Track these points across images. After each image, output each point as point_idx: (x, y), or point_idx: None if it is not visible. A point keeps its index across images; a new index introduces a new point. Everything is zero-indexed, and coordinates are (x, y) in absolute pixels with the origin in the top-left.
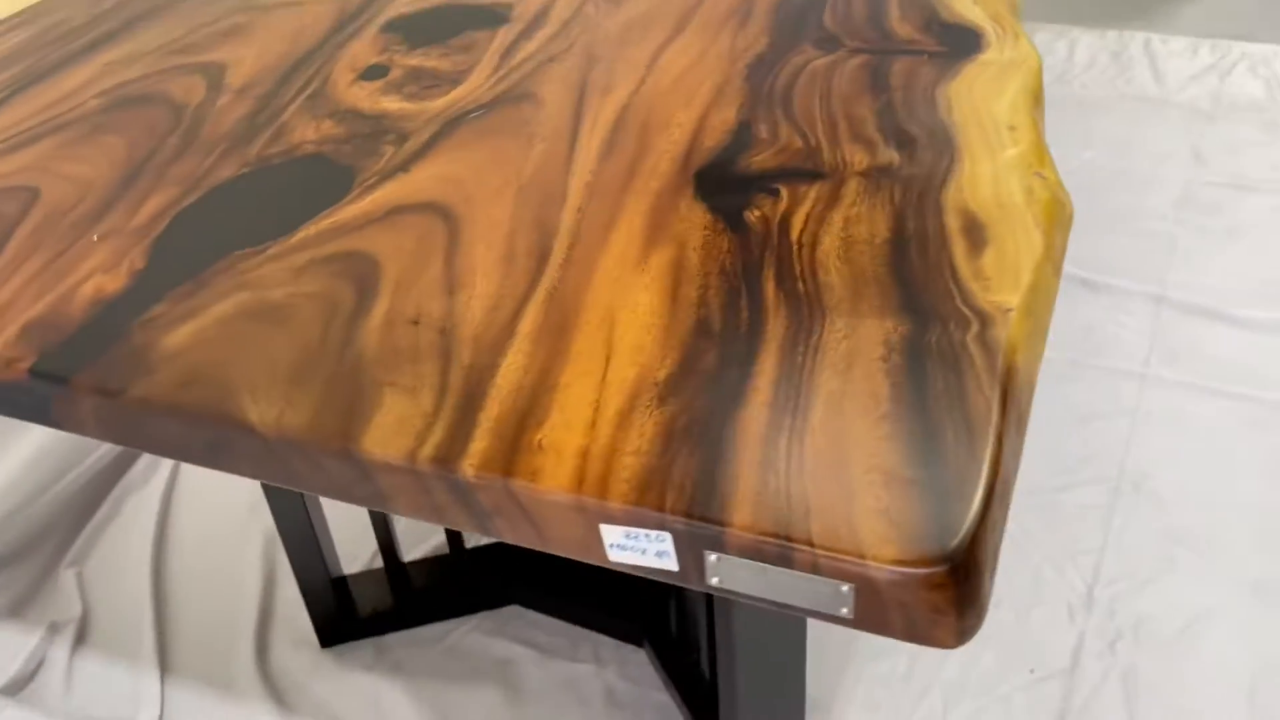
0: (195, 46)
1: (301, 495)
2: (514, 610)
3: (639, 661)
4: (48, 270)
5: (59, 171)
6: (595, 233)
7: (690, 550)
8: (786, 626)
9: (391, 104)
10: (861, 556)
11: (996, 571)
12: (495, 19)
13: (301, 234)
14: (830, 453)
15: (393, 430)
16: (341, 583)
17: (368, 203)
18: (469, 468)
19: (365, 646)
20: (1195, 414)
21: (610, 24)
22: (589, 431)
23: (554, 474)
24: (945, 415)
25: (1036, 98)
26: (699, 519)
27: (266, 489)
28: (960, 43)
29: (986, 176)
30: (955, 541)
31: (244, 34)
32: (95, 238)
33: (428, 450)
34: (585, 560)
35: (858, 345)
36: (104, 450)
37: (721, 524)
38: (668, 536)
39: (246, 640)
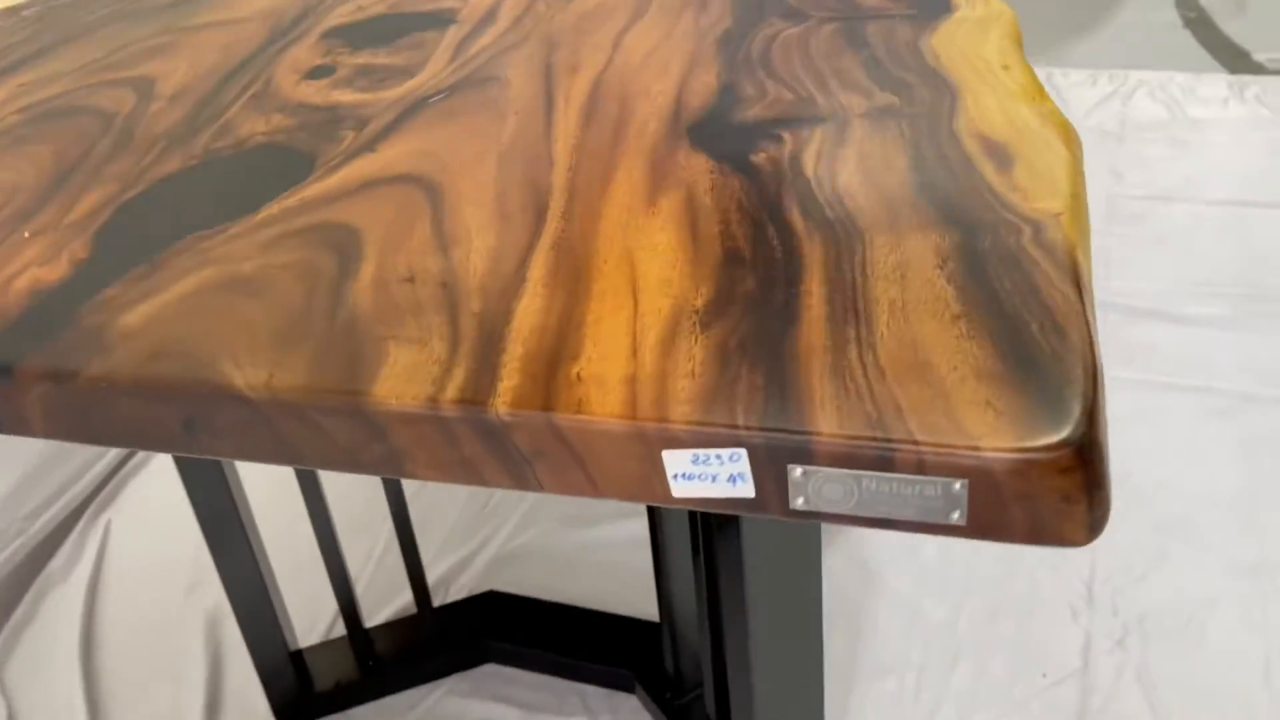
0: (119, 64)
1: (255, 559)
2: (490, 669)
3: (632, 708)
4: None
5: None
6: (593, 187)
7: (770, 468)
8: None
9: (344, 96)
10: (976, 447)
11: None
12: (442, 21)
13: (265, 213)
14: (908, 356)
15: (405, 378)
16: (300, 656)
17: (335, 180)
18: (501, 405)
19: None
20: (1160, 410)
21: (564, 17)
22: (631, 360)
23: (602, 402)
24: (1023, 311)
25: (1020, 46)
26: (779, 430)
27: (215, 554)
28: (930, 6)
29: (993, 108)
30: (1075, 422)
31: (171, 51)
32: (26, 234)
33: (450, 393)
34: (647, 501)
35: (907, 257)
36: (15, 547)
37: (807, 432)
38: (743, 454)
39: None
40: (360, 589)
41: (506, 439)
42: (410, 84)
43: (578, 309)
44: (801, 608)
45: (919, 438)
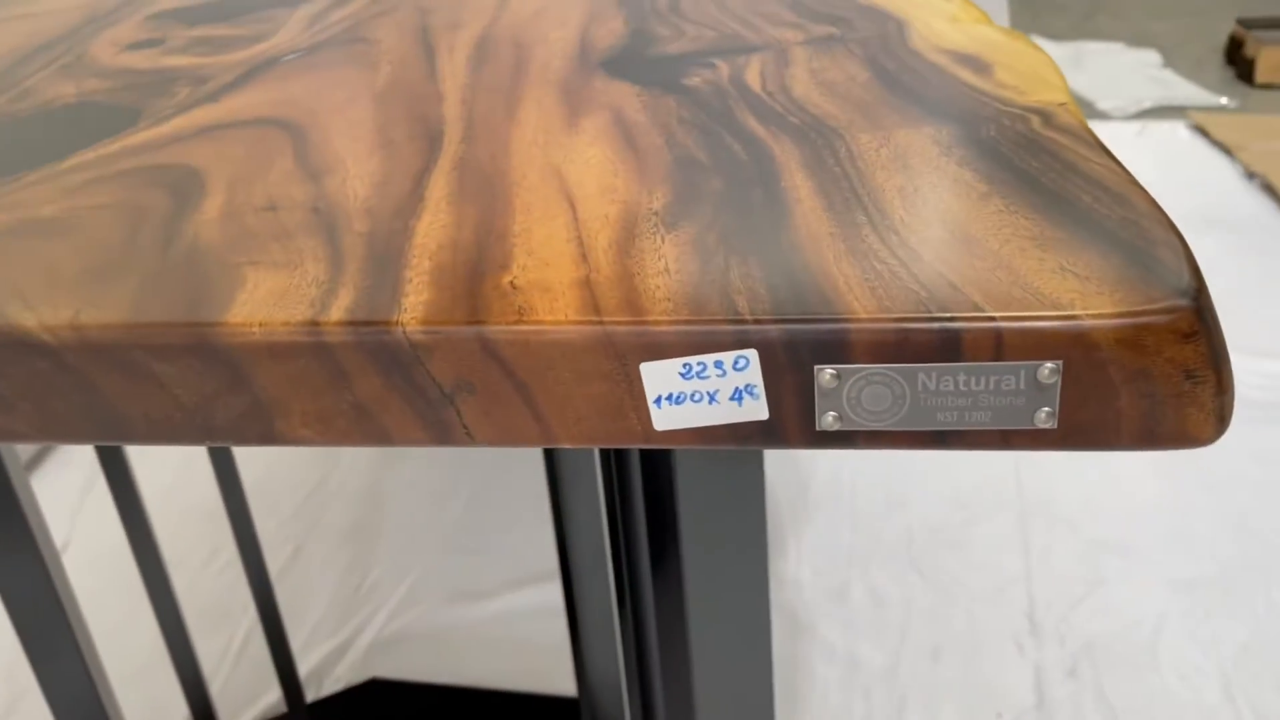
0: None
1: (85, 664)
2: None
3: None
4: None
5: None
6: (496, 115)
7: (790, 373)
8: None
9: (177, 61)
10: (1072, 315)
11: None
12: (291, 1)
13: (75, 160)
14: (942, 234)
15: (271, 303)
16: None
17: (167, 128)
18: (410, 322)
19: None
20: None
21: None
22: (581, 265)
23: (551, 309)
24: (1066, 185)
25: None
26: (800, 320)
27: (35, 664)
28: None
29: (947, 30)
30: (1184, 278)
31: None
32: None
33: (336, 314)
34: (618, 444)
35: (902, 150)
36: None
37: (838, 318)
38: (751, 356)
39: None
40: (216, 689)
41: (418, 368)
42: (260, 47)
43: (498, 222)
44: (751, 661)
45: (991, 310)
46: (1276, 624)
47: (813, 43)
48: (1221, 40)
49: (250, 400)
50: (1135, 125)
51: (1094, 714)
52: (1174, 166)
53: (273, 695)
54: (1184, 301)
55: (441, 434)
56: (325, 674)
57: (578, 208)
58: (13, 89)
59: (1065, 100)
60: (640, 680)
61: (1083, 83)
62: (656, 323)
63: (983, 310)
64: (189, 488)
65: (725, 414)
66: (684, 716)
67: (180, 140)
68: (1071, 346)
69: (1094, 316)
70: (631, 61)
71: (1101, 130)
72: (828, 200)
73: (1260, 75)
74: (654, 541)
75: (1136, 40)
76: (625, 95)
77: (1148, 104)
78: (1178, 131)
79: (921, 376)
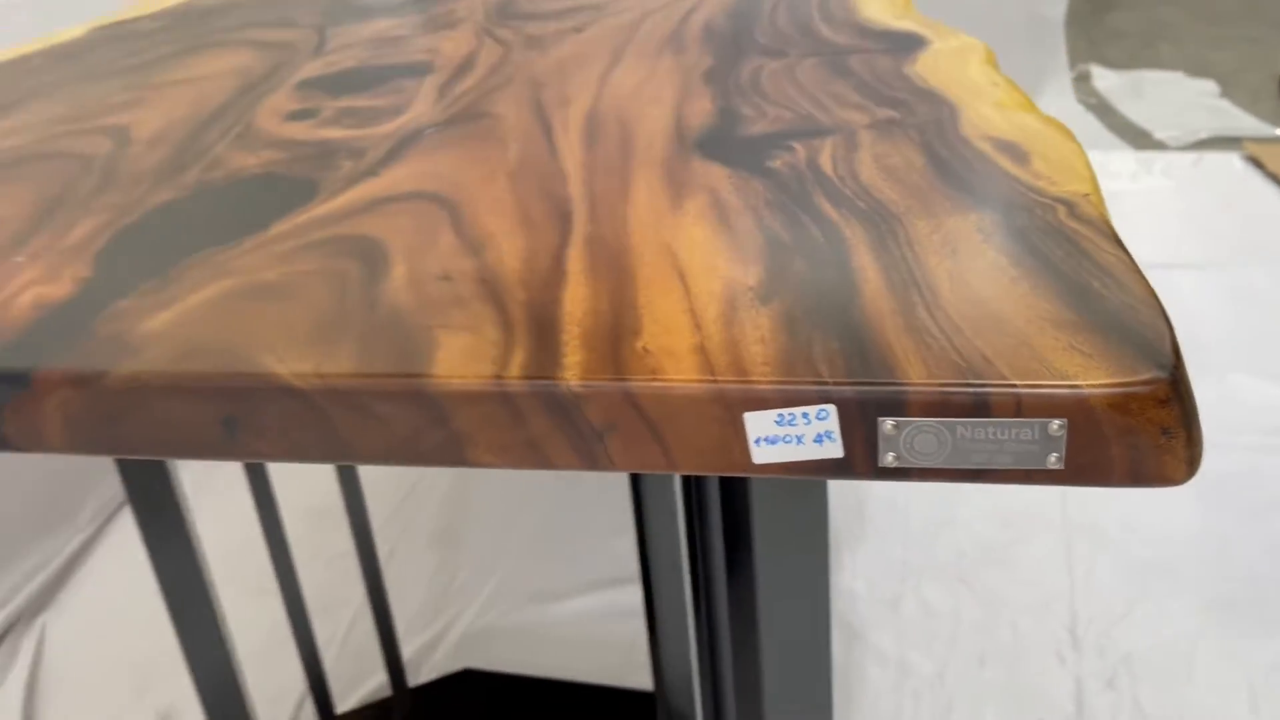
0: (88, 116)
1: (224, 644)
2: None
3: None
4: None
5: None
6: (612, 195)
7: (859, 424)
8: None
9: (333, 133)
10: (1074, 384)
11: None
12: (419, 70)
13: (277, 229)
14: (979, 313)
15: (463, 360)
16: None
17: (343, 200)
18: (572, 377)
19: None
20: None
21: (544, 62)
22: (695, 333)
23: (677, 368)
24: (1081, 273)
25: (999, 69)
26: (867, 383)
27: (186, 647)
28: (903, 42)
29: (994, 116)
30: (1167, 357)
31: (139, 105)
32: (21, 259)
33: (515, 370)
34: (726, 472)
35: (951, 236)
36: None
37: (897, 383)
38: (831, 410)
39: None
40: (330, 662)
41: (577, 412)
42: (400, 120)
43: (627, 293)
44: (813, 663)
45: (1014, 380)
46: None
47: (876, 126)
48: (1278, 69)
49: (448, 434)
50: (1191, 156)
51: None
52: (1227, 198)
53: (373, 682)
54: (1162, 375)
55: (591, 463)
56: (421, 664)
57: (689, 283)
58: (202, 159)
59: (1090, 191)
60: (711, 677)
61: (1141, 112)
62: (757, 382)
63: (1007, 380)
64: (296, 494)
65: (808, 453)
66: (753, 712)
67: (356, 214)
68: (1074, 409)
69: (1092, 386)
70: (721, 143)
71: (1158, 161)
72: (889, 281)
73: None
74: (730, 552)
75: (1195, 68)
76: (719, 178)
77: (1204, 134)
78: (1232, 162)
79: (960, 428)
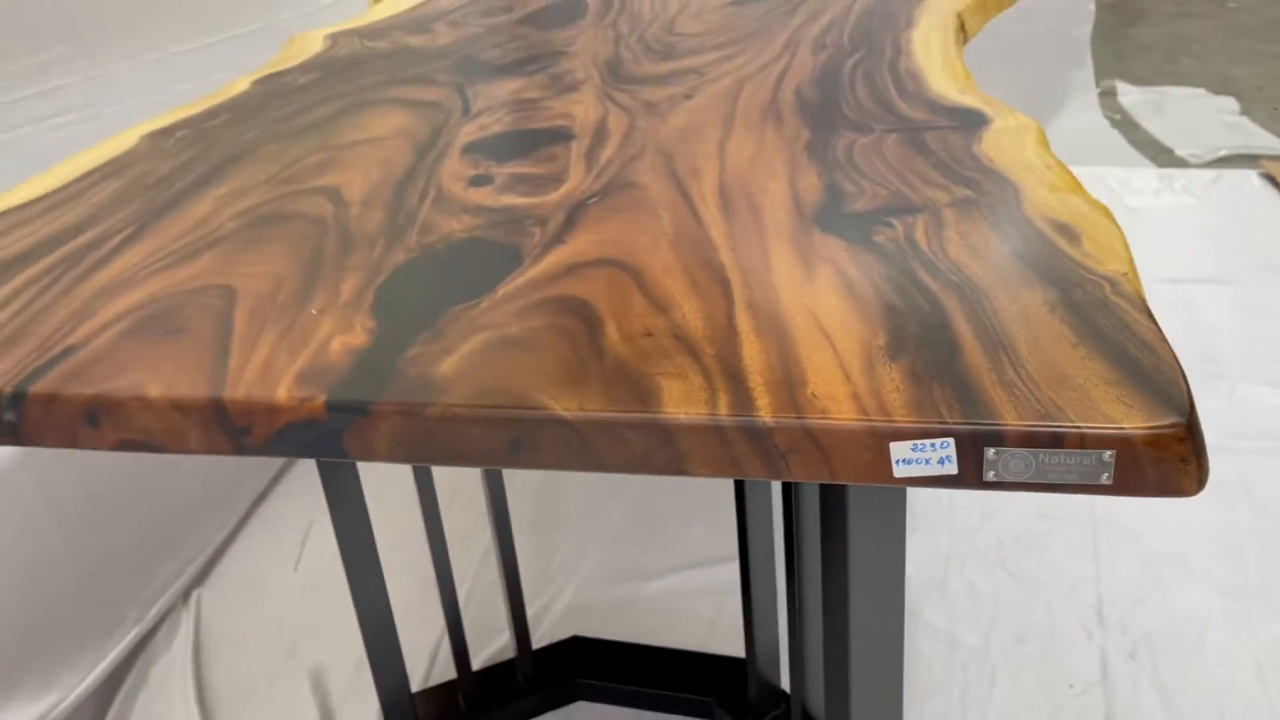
0: (297, 177)
1: (385, 600)
2: (581, 706)
3: None
4: (287, 338)
5: (239, 272)
6: (757, 264)
7: (970, 451)
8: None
9: (512, 200)
10: (1121, 427)
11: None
12: (563, 136)
13: (503, 290)
14: (1050, 372)
15: (683, 401)
16: (415, 698)
17: (545, 265)
18: (765, 415)
19: None
20: None
21: (665, 131)
22: (847, 383)
23: (839, 410)
24: (1123, 340)
25: (1050, 149)
26: (977, 423)
27: (356, 596)
28: (969, 119)
29: (1049, 198)
30: (1184, 406)
31: (336, 166)
32: (315, 310)
33: (723, 409)
34: (873, 483)
35: (1026, 309)
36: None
37: (999, 423)
38: (950, 441)
39: None
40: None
41: (769, 440)
42: (564, 189)
43: (789, 349)
44: (886, 621)
45: (1079, 423)
46: None
47: (956, 205)
48: None
49: (674, 453)
50: (1211, 173)
51: (1148, 689)
52: (1244, 215)
53: (493, 645)
54: (1182, 421)
55: (775, 475)
56: (531, 632)
57: (834, 341)
58: (414, 222)
59: (1128, 270)
60: (797, 648)
61: (1163, 129)
62: (898, 421)
63: (1074, 422)
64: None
65: (933, 470)
66: (840, 678)
67: (560, 277)
68: (1120, 444)
69: (1133, 428)
70: (834, 218)
71: (1179, 178)
72: (982, 344)
73: None
74: (826, 542)
75: (1216, 83)
76: (838, 250)
77: (1223, 152)
78: (1250, 179)
79: (1042, 455)
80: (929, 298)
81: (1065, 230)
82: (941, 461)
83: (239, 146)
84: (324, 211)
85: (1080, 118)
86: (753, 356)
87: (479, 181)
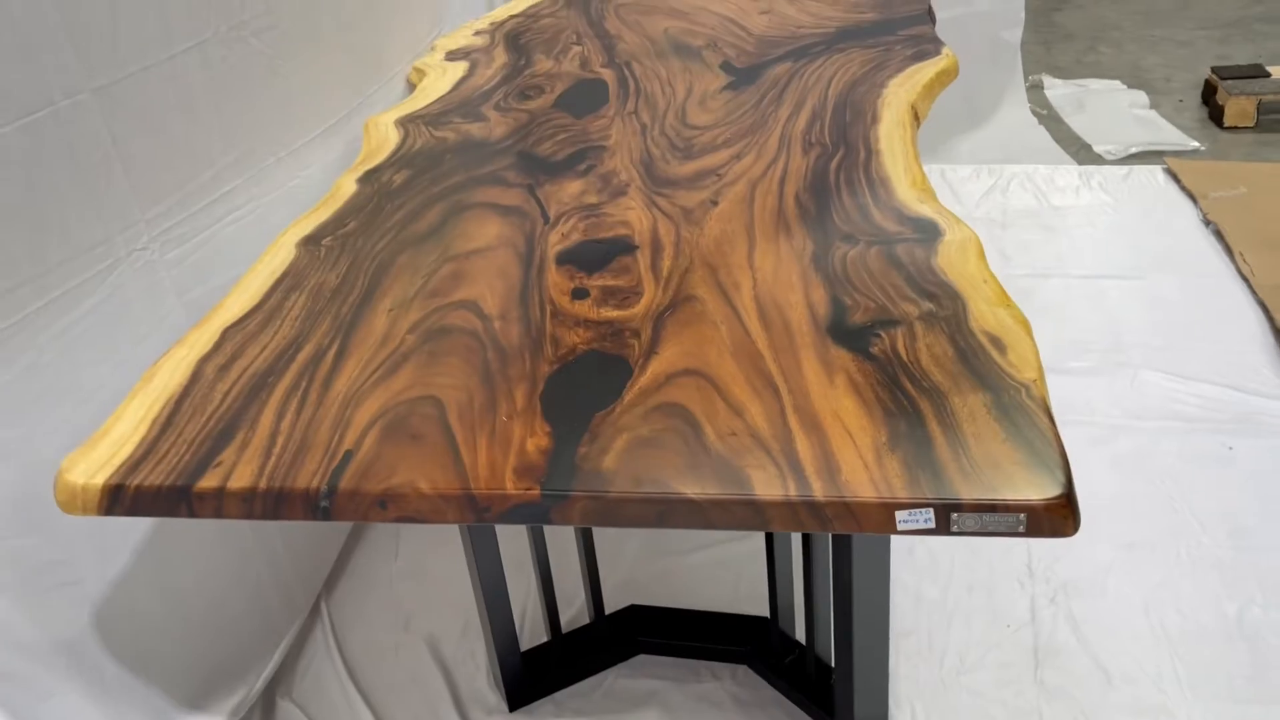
0: (440, 291)
1: (507, 597)
2: (641, 658)
3: (745, 673)
4: (495, 442)
5: (437, 384)
6: (793, 371)
7: (943, 515)
8: (878, 612)
9: (610, 313)
10: (1029, 499)
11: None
12: (627, 247)
13: (627, 398)
14: (987, 459)
15: (766, 486)
16: (522, 656)
17: (648, 376)
18: (820, 496)
19: (544, 704)
20: None
21: (704, 241)
22: (866, 470)
23: (864, 490)
24: (1032, 435)
25: (984, 257)
26: (945, 499)
27: (482, 579)
28: (928, 230)
29: (986, 313)
30: (1065, 484)
31: (464, 278)
32: (504, 418)
33: (792, 492)
34: (884, 533)
35: (972, 409)
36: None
37: (960, 500)
38: (931, 510)
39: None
40: (534, 609)
41: (822, 511)
42: (644, 302)
43: (828, 445)
44: (878, 594)
45: (1005, 497)
46: (1182, 570)
47: (924, 318)
48: (1204, 74)
49: (762, 520)
50: (1123, 169)
51: (1064, 624)
52: (1150, 210)
53: (568, 613)
54: (1063, 493)
55: (824, 529)
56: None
57: (855, 438)
58: (544, 335)
59: (1037, 378)
60: (808, 607)
61: (1083, 125)
62: (900, 498)
63: (1002, 497)
64: None
65: (920, 526)
66: (844, 627)
67: (662, 386)
68: (1029, 509)
69: (1036, 499)
70: (842, 331)
71: (1095, 175)
72: (946, 439)
73: (1227, 120)
74: (835, 534)
75: (1130, 74)
76: (848, 361)
77: (1134, 149)
78: (1156, 175)
79: (984, 516)
80: (911, 402)
81: (996, 342)
82: (925, 521)
83: (378, 257)
84: (474, 325)
85: (1012, 115)
86: (805, 450)
87: (579, 295)
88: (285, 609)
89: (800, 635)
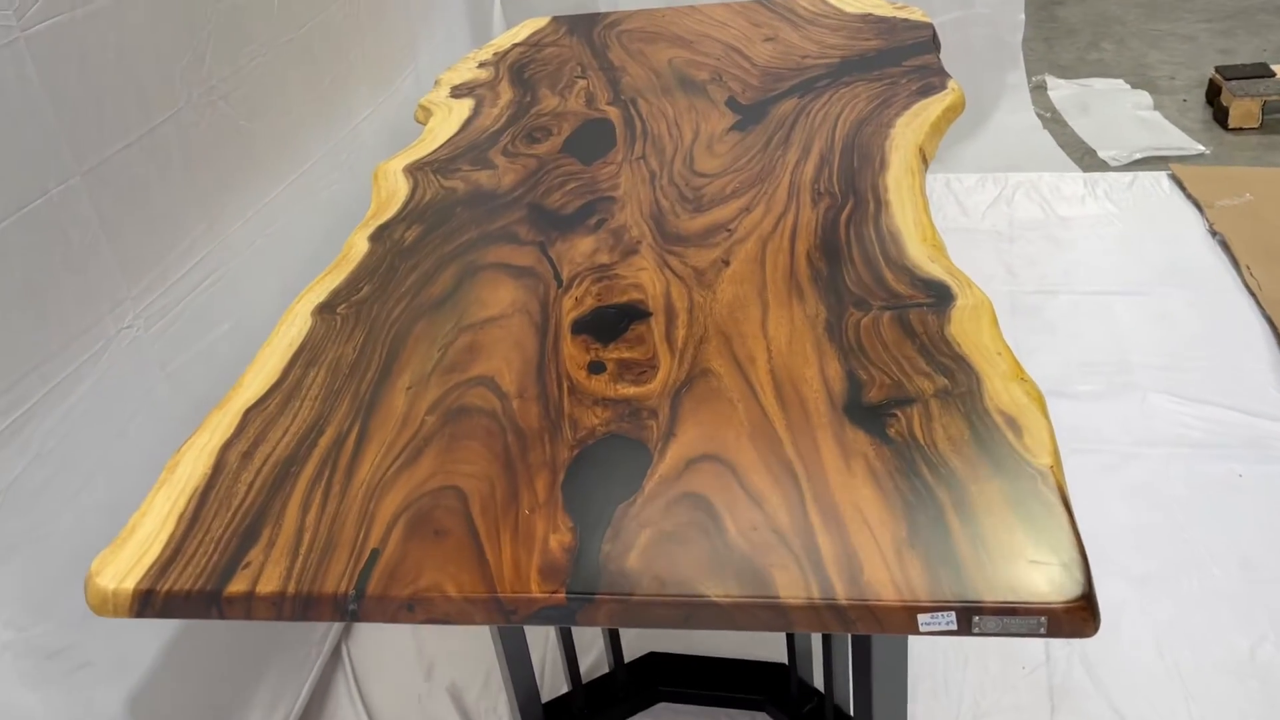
0: (458, 366)
1: (527, 649)
2: (662, 706)
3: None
4: (518, 538)
5: (459, 472)
6: (811, 457)
7: (964, 617)
8: (894, 664)
9: (626, 390)
10: (1050, 602)
11: None
12: (641, 314)
13: (647, 488)
14: (1005, 555)
15: (790, 588)
16: (544, 707)
17: (668, 462)
18: (843, 599)
19: None
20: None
21: (718, 308)
22: (887, 569)
23: (886, 594)
24: (1051, 527)
25: (996, 325)
26: (967, 602)
27: (501, 632)
28: (940, 294)
29: (1001, 389)
30: (1087, 588)
31: (481, 351)
32: (527, 511)
33: (815, 593)
34: (907, 634)
35: (989, 497)
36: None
37: (981, 603)
38: (953, 614)
39: None
40: (554, 656)
41: (846, 613)
42: (660, 377)
43: (849, 539)
44: (897, 643)
45: (1026, 600)
46: (1194, 605)
47: (939, 395)
48: (1208, 71)
49: (786, 621)
50: (1127, 176)
51: (1079, 665)
52: (1155, 219)
53: (585, 661)
54: (1084, 596)
55: (848, 630)
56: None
57: (874, 531)
58: (563, 415)
59: (1054, 463)
60: (826, 655)
61: (1087, 128)
62: (922, 602)
63: (1024, 600)
64: None
65: (942, 627)
66: (864, 675)
67: (682, 474)
68: (1049, 612)
69: (1057, 603)
70: (857, 411)
71: (1101, 182)
72: (965, 532)
73: (1232, 122)
74: None
75: (1133, 72)
76: (864, 444)
77: (1139, 154)
78: (1161, 182)
79: (1005, 619)
80: (929, 491)
81: (1012, 424)
82: (947, 623)
83: (394, 327)
84: (492, 405)
85: (1014, 118)
86: (827, 547)
87: (595, 369)
88: (304, 656)
89: (819, 682)
